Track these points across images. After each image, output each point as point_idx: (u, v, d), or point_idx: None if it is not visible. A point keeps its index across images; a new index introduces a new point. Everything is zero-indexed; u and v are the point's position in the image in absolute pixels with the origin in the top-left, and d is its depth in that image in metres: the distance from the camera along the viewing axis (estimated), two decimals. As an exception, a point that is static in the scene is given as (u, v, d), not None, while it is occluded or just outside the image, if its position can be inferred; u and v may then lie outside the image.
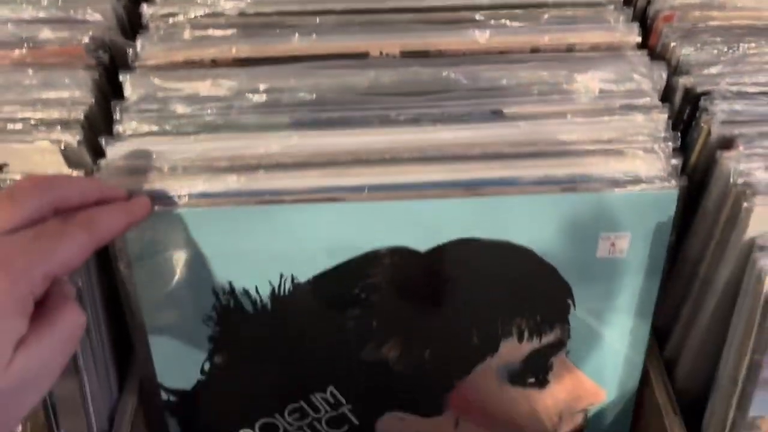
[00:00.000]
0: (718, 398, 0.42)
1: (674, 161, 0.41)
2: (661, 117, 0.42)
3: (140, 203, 0.39)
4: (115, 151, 0.42)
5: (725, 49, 0.44)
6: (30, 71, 0.44)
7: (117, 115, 0.43)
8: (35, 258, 0.32)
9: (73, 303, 0.33)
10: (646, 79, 0.44)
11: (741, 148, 0.39)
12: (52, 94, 0.43)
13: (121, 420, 0.46)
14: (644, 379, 0.48)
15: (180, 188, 0.41)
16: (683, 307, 0.46)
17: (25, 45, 0.45)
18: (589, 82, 0.44)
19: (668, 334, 0.48)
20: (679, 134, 0.42)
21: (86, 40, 0.46)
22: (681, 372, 0.47)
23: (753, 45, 0.44)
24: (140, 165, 0.42)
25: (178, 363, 0.46)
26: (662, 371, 0.47)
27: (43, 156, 0.42)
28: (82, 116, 0.43)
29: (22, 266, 0.31)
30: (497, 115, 0.43)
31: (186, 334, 0.46)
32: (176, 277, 0.43)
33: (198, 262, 0.43)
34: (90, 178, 0.41)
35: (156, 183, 0.41)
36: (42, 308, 0.32)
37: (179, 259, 0.43)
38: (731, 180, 0.39)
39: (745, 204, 0.38)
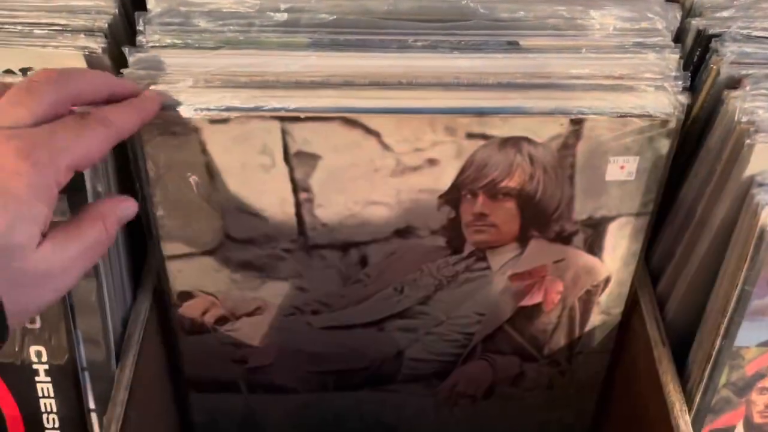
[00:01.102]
0: (706, 329, 0.44)
1: (682, 98, 0.42)
2: (673, 56, 0.43)
3: (151, 99, 0.41)
4: (137, 61, 0.43)
5: (739, -7, 0.45)
6: (56, -23, 0.44)
7: (140, 26, 0.44)
8: (58, 149, 0.33)
9: (102, 222, 0.36)
10: (661, 19, 0.44)
11: (747, 87, 0.41)
12: (77, 2, 0.44)
13: (134, 324, 0.47)
14: (635, 313, 0.50)
15: (199, 101, 0.42)
16: (678, 245, 0.48)
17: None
18: (605, 18, 0.45)
19: (662, 273, 0.50)
20: (689, 74, 0.43)
21: (111, -50, 0.46)
22: (671, 307, 0.49)
23: (767, -10, 0.45)
24: (161, 76, 0.43)
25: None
26: (654, 306, 0.49)
27: (67, 62, 0.42)
28: (106, 25, 0.43)
29: (46, 156, 0.32)
30: (513, 46, 0.44)
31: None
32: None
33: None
34: (103, 72, 0.42)
35: (176, 94, 0.42)
36: (76, 217, 0.35)
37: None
38: (736, 118, 0.40)
39: (747, 141, 0.39)
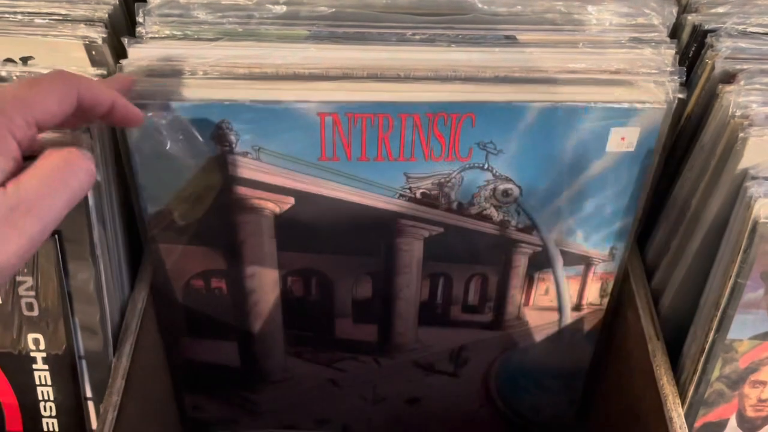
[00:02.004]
0: (700, 323, 0.45)
1: (677, 90, 0.42)
2: (669, 52, 0.44)
3: (123, 77, 0.40)
4: (136, 52, 0.43)
5: (735, -10, 0.46)
6: (57, -32, 0.45)
7: (140, 18, 0.44)
8: (11, 100, 0.32)
9: (68, 147, 0.33)
10: (657, 14, 0.45)
11: (742, 82, 0.41)
12: (77, -8, 0.44)
13: (132, 313, 0.48)
14: (630, 306, 0.51)
15: (198, 92, 0.43)
16: (673, 239, 0.48)
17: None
18: (602, 14, 0.45)
19: (656, 267, 0.50)
20: (684, 69, 0.43)
21: (111, -58, 0.47)
22: (666, 301, 0.49)
23: (762, -13, 0.46)
24: (160, 67, 0.43)
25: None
26: (649, 299, 0.50)
27: (68, 51, 0.43)
28: (106, 15, 0.44)
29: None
30: (510, 41, 0.45)
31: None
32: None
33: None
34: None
35: (175, 85, 0.42)
36: (37, 160, 0.33)
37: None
38: (730, 112, 0.40)
39: (741, 134, 0.39)
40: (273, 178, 0.46)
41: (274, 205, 0.47)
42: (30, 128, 0.32)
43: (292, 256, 0.50)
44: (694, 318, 0.46)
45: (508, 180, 0.47)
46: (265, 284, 0.51)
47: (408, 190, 0.47)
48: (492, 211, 0.48)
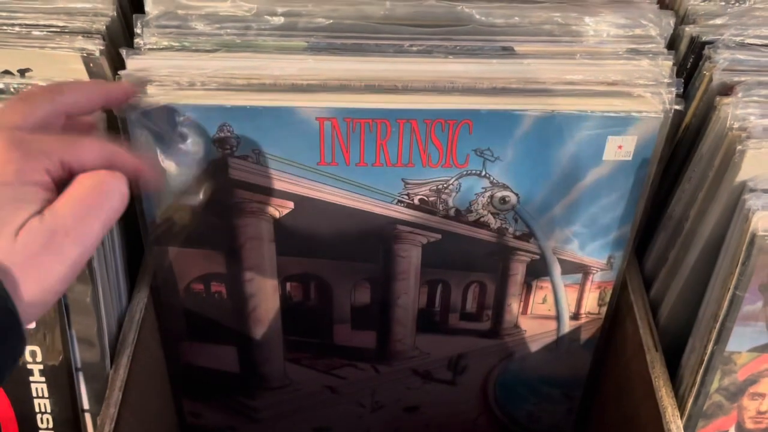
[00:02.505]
0: (698, 334, 0.45)
1: (676, 105, 0.42)
2: (666, 63, 0.44)
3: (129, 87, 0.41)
4: (134, 63, 0.43)
5: (732, 2, 0.46)
6: (55, -20, 0.45)
7: (138, 29, 0.44)
8: (49, 143, 0.33)
9: (99, 171, 0.34)
10: (655, 26, 0.45)
11: (740, 94, 0.41)
12: (75, 4, 0.44)
13: (129, 325, 0.47)
14: (628, 318, 0.51)
15: (197, 102, 0.43)
16: (671, 250, 0.48)
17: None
18: (599, 25, 0.45)
19: (655, 278, 0.50)
20: (682, 81, 0.43)
21: (109, -46, 0.47)
22: (664, 312, 0.49)
23: (759, 0, 0.46)
24: (158, 78, 0.43)
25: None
26: (647, 311, 0.50)
27: (65, 63, 0.43)
28: (104, 27, 0.44)
29: (37, 148, 0.32)
30: (508, 52, 0.45)
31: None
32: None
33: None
34: (97, 81, 0.43)
35: (173, 97, 0.42)
36: (68, 186, 0.33)
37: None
38: (728, 124, 0.40)
39: (739, 147, 0.39)
40: (272, 182, 0.46)
41: (273, 209, 0.47)
42: (63, 170, 0.33)
43: (291, 261, 0.50)
44: (693, 329, 0.46)
45: (505, 187, 0.47)
46: (264, 288, 0.51)
47: (406, 196, 0.47)
48: (489, 218, 0.48)
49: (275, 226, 0.48)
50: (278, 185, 0.46)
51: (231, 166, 0.45)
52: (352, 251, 0.50)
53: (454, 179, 0.46)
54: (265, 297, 0.52)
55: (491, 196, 0.47)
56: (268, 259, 0.50)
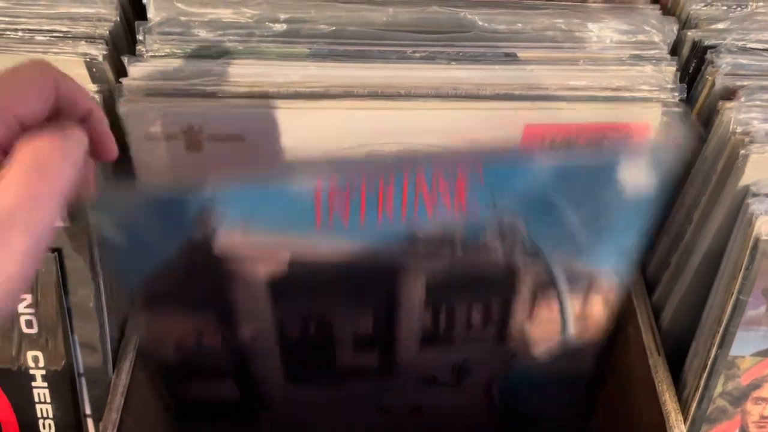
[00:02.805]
0: (701, 338, 0.45)
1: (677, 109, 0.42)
2: (670, 69, 0.44)
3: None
4: (137, 70, 0.43)
5: (734, 7, 0.46)
6: (58, -15, 0.45)
7: (140, 36, 0.44)
8: None
9: (42, 134, 0.28)
10: (657, 31, 0.45)
11: (742, 98, 0.41)
12: (78, 9, 0.44)
13: (132, 329, 0.47)
14: (631, 322, 0.51)
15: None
16: (673, 254, 0.48)
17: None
18: (602, 31, 0.45)
19: (657, 282, 0.50)
20: (685, 86, 0.43)
21: (112, -40, 0.47)
22: (667, 316, 0.49)
23: (761, 4, 0.46)
24: (161, 85, 0.43)
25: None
26: (650, 315, 0.50)
27: (68, 68, 0.43)
28: (107, 32, 0.44)
29: None
30: (511, 58, 0.45)
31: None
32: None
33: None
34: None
35: (175, 103, 0.43)
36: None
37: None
38: (731, 128, 0.41)
39: (742, 151, 0.39)
40: (265, 245, 0.43)
41: (266, 270, 0.44)
42: (10, 129, 0.28)
43: (289, 309, 0.48)
44: (696, 333, 0.46)
45: (515, 216, 0.46)
46: (261, 335, 0.49)
47: (411, 235, 0.44)
48: (497, 243, 0.48)
49: (270, 283, 0.45)
50: (271, 247, 0.43)
51: (217, 239, 0.41)
52: (354, 291, 0.48)
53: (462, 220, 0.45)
54: (263, 340, 0.49)
55: (500, 224, 0.46)
56: (263, 312, 0.47)
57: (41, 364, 0.45)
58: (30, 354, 0.45)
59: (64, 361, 0.45)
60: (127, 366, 0.46)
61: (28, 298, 0.43)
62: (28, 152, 0.28)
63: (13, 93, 0.29)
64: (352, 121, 0.43)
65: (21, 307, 0.43)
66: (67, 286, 0.43)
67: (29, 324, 0.44)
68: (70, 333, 0.44)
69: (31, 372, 0.45)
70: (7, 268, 0.26)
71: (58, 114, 0.31)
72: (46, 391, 0.46)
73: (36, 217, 0.27)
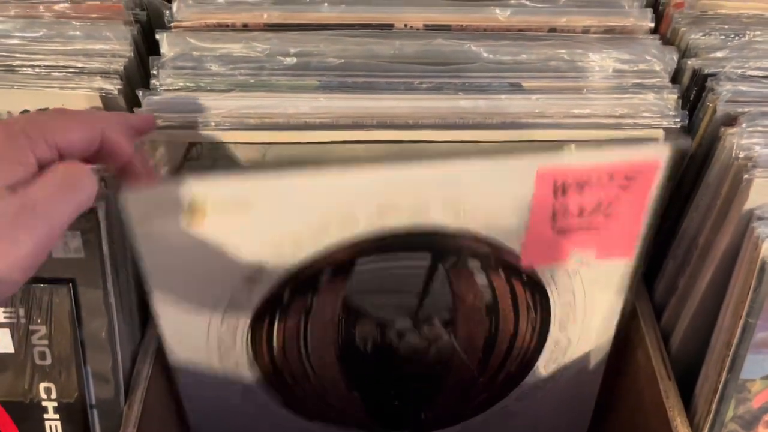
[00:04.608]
0: (711, 363, 0.45)
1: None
2: (672, 97, 0.45)
3: (143, 117, 0.42)
4: (151, 104, 0.44)
5: (732, 36, 0.47)
6: (73, 23, 0.46)
7: (154, 70, 0.45)
8: (34, 122, 0.34)
9: (72, 160, 0.35)
10: (658, 61, 0.46)
11: (744, 124, 0.42)
12: (93, 46, 0.45)
13: (143, 360, 0.48)
14: (640, 346, 0.51)
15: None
16: (680, 278, 0.48)
17: (69, 0, 0.47)
18: (605, 61, 0.46)
19: (665, 306, 0.51)
20: (686, 113, 0.44)
21: (125, -3, 0.48)
22: (675, 340, 0.49)
23: (759, 33, 0.47)
24: (174, 118, 0.44)
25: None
26: (659, 339, 0.50)
27: (84, 103, 0.44)
28: (121, 67, 0.45)
29: (22, 125, 0.34)
30: (516, 88, 0.46)
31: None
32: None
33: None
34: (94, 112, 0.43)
35: (189, 136, 0.43)
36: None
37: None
38: (733, 154, 0.41)
39: (745, 176, 0.40)
40: None
41: None
42: (51, 150, 0.34)
43: None
44: (706, 358, 0.46)
45: None
46: None
47: None
48: None
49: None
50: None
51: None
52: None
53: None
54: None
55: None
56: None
57: (53, 395, 0.45)
58: (42, 386, 0.45)
59: (76, 393, 0.45)
60: (138, 397, 0.46)
61: (42, 329, 0.44)
62: (61, 167, 0.34)
63: (61, 124, 0.35)
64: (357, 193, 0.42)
65: (35, 339, 0.44)
66: (81, 317, 0.44)
67: (42, 356, 0.44)
68: (83, 364, 0.44)
69: (44, 404, 0.45)
70: (27, 245, 0.32)
71: (101, 157, 0.37)
72: (58, 423, 0.46)
73: (57, 213, 0.33)
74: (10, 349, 0.44)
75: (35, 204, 0.32)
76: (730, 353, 0.42)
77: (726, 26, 0.48)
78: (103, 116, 0.38)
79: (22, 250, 0.31)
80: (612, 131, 0.44)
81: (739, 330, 0.41)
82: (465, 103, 0.45)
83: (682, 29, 0.48)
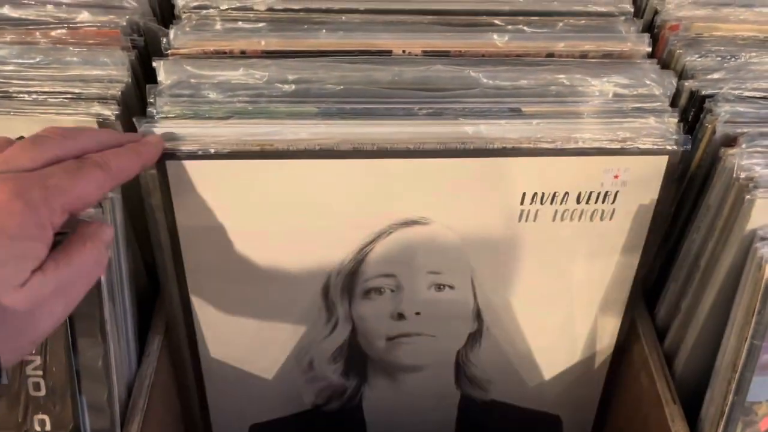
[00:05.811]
0: (717, 385, 0.44)
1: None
2: (672, 120, 0.45)
3: (151, 144, 0.41)
4: (148, 131, 0.44)
5: (728, 57, 0.48)
6: (70, 49, 0.46)
7: (151, 98, 0.45)
8: (52, 189, 0.34)
9: (95, 241, 0.36)
10: (657, 85, 0.46)
11: (743, 145, 0.42)
12: (90, 72, 0.45)
13: (139, 390, 0.47)
14: (643, 370, 0.50)
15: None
16: (683, 300, 0.48)
17: (65, 26, 0.47)
18: (604, 86, 0.46)
19: (668, 329, 0.50)
20: (689, 137, 0.44)
21: (123, 23, 0.48)
22: (680, 363, 0.49)
23: (754, 54, 0.47)
24: (172, 145, 0.44)
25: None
26: (663, 363, 0.49)
27: (81, 129, 0.43)
28: (119, 93, 0.45)
29: (40, 196, 0.33)
30: (516, 113, 0.46)
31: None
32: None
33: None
34: (109, 130, 0.43)
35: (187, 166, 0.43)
36: (66, 242, 0.35)
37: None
38: (734, 174, 0.41)
39: (747, 196, 0.40)
40: None
41: None
42: (63, 215, 0.34)
43: None
44: (711, 380, 0.45)
45: None
46: None
47: None
48: None
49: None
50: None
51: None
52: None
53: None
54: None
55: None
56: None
57: (48, 427, 0.44)
58: (37, 418, 0.44)
59: (71, 425, 0.44)
60: (135, 427, 0.45)
61: (37, 360, 0.43)
62: (90, 252, 0.36)
63: (79, 192, 0.35)
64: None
65: (29, 370, 0.43)
66: (77, 346, 0.43)
67: (37, 387, 0.43)
68: (78, 395, 0.43)
69: (37, 437, 0.44)
70: (48, 327, 0.34)
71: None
72: (53, 456, 0.44)
73: (76, 295, 0.36)
74: (4, 381, 0.43)
75: (62, 289, 0.34)
76: (736, 375, 0.42)
77: (721, 48, 0.48)
78: (121, 166, 0.38)
79: (42, 333, 0.34)
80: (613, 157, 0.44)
81: (744, 352, 0.41)
82: (466, 128, 0.44)
83: (678, 51, 0.49)
